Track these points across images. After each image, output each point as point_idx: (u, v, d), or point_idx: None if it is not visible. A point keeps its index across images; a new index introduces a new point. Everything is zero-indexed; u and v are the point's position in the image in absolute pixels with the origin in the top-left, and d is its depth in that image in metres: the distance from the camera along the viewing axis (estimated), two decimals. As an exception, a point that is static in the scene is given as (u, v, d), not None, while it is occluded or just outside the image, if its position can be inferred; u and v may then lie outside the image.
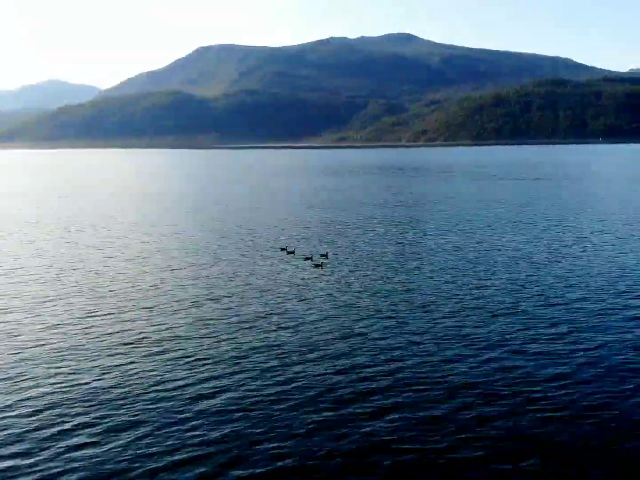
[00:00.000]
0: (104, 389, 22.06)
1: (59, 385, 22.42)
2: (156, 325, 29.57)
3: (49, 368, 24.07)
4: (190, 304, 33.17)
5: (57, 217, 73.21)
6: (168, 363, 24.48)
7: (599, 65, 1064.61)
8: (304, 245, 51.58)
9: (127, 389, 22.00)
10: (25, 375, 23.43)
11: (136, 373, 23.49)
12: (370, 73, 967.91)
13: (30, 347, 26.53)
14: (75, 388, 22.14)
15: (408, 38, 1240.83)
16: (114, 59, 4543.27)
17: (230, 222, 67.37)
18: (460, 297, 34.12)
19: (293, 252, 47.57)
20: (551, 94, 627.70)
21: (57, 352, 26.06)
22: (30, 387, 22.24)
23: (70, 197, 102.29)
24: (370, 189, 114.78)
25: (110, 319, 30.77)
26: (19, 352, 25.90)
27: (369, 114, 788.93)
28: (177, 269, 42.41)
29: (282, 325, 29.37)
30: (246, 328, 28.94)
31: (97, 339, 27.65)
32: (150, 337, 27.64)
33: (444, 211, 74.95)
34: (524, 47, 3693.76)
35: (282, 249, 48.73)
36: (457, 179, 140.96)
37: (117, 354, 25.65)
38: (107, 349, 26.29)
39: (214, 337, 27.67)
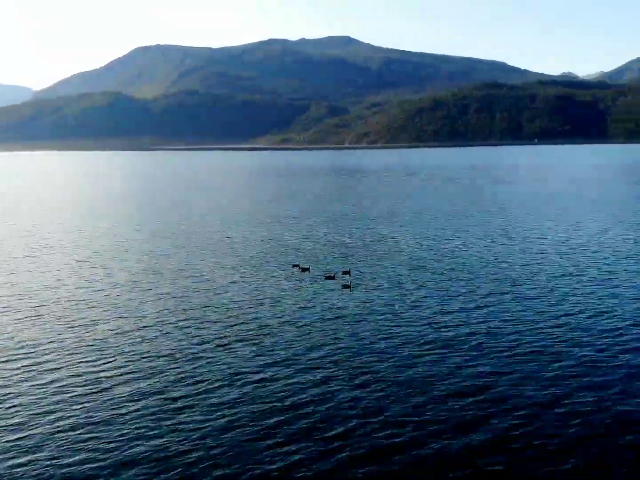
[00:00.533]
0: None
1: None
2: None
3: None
4: (219, 347, 28.59)
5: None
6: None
7: (533, 69, 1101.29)
8: (308, 258, 47.13)
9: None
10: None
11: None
12: (312, 75, 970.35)
13: None
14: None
15: (348, 41, 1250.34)
16: (47, 59, 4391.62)
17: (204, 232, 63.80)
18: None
19: (308, 269, 42.59)
20: (488, 97, 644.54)
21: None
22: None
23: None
24: (334, 194, 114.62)
25: (128, 340, 29.51)
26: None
27: (312, 115, 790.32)
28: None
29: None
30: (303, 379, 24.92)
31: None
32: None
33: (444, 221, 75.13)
34: (461, 52, 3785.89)
35: (295, 266, 43.53)
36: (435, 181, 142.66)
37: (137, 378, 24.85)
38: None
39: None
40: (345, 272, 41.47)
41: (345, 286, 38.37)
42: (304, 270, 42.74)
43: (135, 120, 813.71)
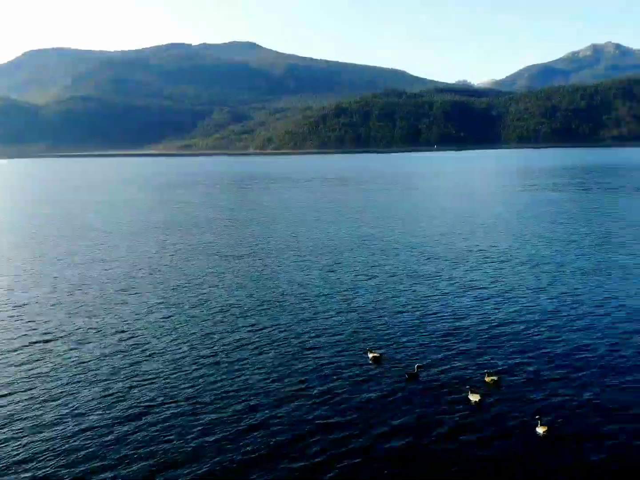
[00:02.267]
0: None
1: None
2: None
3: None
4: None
5: None
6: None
7: (431, 77, 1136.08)
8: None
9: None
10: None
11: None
12: (214, 81, 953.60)
13: None
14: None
15: (252, 46, 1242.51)
16: None
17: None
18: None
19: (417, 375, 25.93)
20: (389, 104, 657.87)
21: None
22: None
23: None
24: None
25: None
26: None
27: (215, 122, 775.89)
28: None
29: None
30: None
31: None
32: None
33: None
34: (362, 60, 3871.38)
35: (411, 374, 25.62)
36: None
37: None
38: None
39: None
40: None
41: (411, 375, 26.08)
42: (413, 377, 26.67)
43: (25, 126, 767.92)
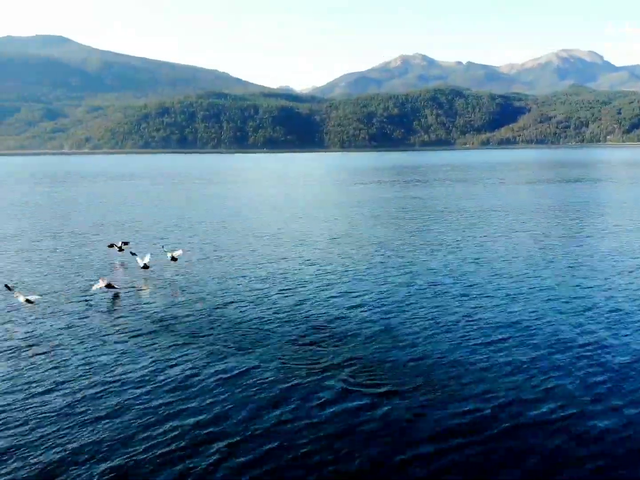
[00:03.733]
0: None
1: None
2: None
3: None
4: None
5: None
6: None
7: (253, 81, 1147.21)
8: None
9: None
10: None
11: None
12: (21, 76, 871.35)
13: None
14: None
15: (62, 40, 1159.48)
16: None
17: None
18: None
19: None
20: (214, 105, 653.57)
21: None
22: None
23: None
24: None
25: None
26: None
27: (23, 119, 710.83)
28: None
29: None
30: None
31: None
32: None
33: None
34: (182, 59, 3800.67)
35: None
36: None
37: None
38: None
39: None
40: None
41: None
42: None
43: None
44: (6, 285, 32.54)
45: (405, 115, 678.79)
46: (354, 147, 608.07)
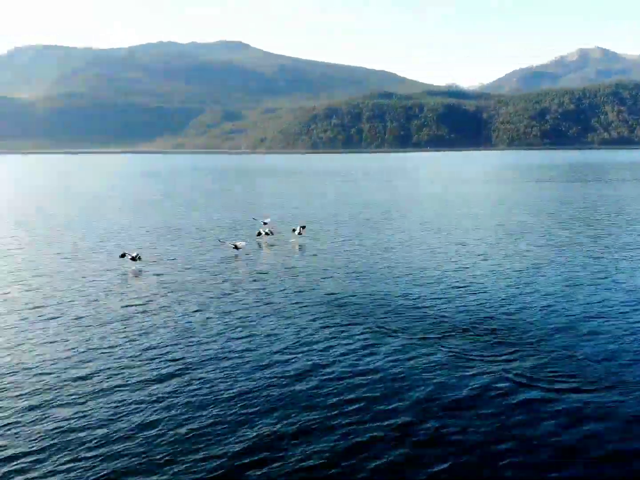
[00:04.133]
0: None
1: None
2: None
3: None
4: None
5: None
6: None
7: (420, 79, 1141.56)
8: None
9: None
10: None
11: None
12: (205, 80, 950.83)
13: None
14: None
15: (242, 46, 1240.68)
16: None
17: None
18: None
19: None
20: (380, 105, 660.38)
21: None
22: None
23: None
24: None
25: None
26: None
27: (206, 120, 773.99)
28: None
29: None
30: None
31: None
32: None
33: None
34: (352, 61, 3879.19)
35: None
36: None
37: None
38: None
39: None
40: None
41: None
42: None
43: (13, 123, 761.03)
44: (219, 240, 43.75)
45: (582, 112, 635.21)
46: (524, 145, 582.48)
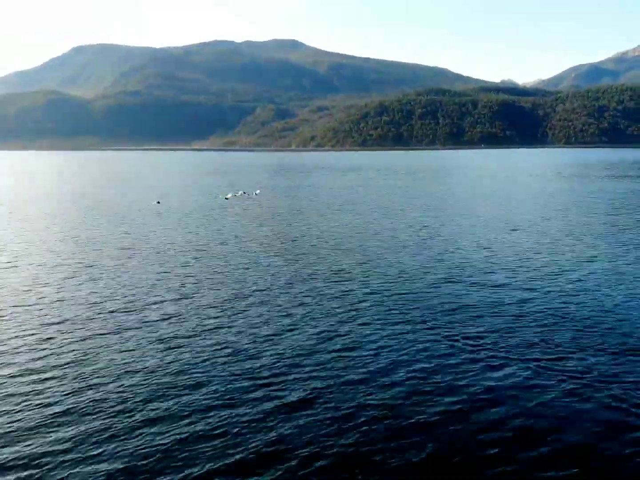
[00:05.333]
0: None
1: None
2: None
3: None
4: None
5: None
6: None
7: (474, 76, 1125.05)
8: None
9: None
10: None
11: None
12: (258, 78, 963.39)
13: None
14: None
15: (295, 44, 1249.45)
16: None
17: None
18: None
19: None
20: (432, 102, 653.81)
21: None
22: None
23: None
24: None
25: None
26: None
27: (258, 118, 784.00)
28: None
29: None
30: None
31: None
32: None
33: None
34: (405, 58, 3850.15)
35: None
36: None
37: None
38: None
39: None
40: None
41: None
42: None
43: (74, 120, 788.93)
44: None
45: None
46: (581, 143, 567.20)
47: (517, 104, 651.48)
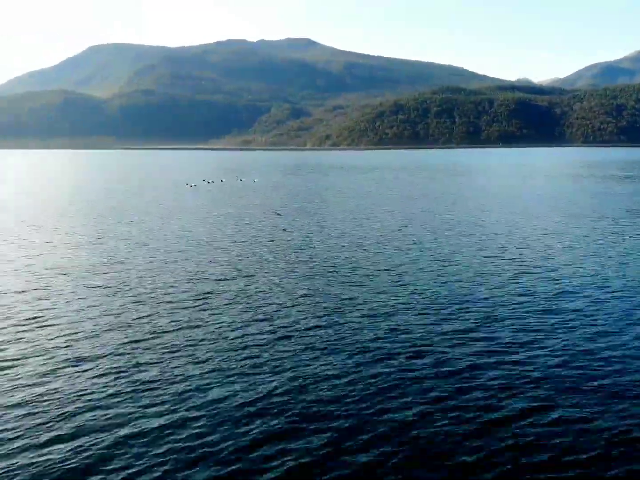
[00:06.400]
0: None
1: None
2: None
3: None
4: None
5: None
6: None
7: (490, 74, 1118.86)
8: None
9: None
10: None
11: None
12: (272, 77, 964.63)
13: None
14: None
15: (309, 43, 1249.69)
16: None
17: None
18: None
19: None
20: (448, 101, 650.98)
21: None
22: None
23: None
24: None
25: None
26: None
27: (273, 118, 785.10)
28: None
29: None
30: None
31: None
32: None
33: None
34: (419, 56, 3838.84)
35: None
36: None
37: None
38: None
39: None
40: None
41: None
42: None
43: (89, 119, 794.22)
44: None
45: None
46: (599, 141, 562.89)
47: (534, 102, 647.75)
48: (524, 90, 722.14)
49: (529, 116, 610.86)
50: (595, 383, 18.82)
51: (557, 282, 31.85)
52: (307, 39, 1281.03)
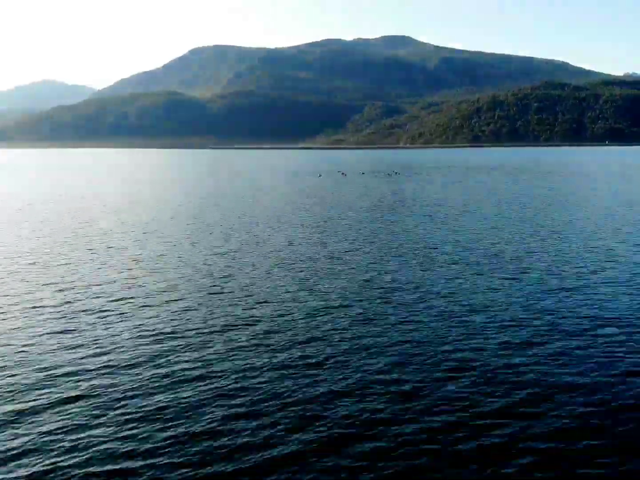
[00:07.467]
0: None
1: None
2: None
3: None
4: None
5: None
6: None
7: (595, 69, 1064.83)
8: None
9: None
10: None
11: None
12: (367, 75, 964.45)
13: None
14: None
15: (405, 40, 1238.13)
16: (109, 59, 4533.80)
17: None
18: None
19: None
20: (549, 96, 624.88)
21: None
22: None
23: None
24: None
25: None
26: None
27: (366, 116, 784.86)
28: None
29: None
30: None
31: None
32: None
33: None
34: (520, 51, 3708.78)
35: None
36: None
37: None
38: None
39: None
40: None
41: None
42: None
43: (191, 120, 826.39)
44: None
45: None
46: None
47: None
48: (632, 85, 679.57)
49: (638, 113, 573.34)
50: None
51: None
52: (403, 36, 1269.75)
